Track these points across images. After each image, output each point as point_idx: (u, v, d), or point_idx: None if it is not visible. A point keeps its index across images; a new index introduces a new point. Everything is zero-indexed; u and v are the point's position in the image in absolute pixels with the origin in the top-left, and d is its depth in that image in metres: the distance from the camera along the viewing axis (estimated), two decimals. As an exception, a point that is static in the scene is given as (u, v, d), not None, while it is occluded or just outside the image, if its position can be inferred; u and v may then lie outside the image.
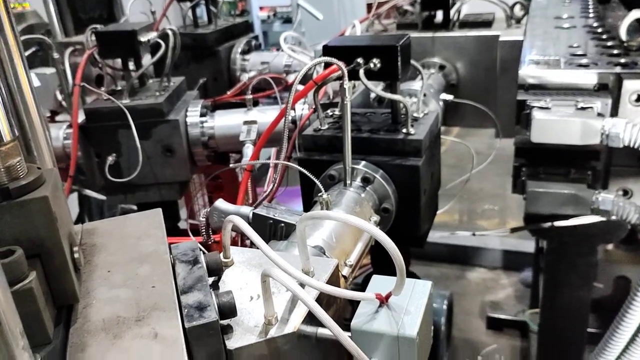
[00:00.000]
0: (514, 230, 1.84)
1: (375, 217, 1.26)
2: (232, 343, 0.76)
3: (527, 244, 3.66)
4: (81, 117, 1.86)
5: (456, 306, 3.63)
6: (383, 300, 0.82)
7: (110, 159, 1.77)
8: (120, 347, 0.68)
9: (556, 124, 1.37)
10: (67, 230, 0.74)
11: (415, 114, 1.48)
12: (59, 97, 2.29)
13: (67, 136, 1.94)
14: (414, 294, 0.84)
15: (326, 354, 0.89)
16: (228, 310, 0.76)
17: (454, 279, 3.96)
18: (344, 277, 1.09)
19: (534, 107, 1.43)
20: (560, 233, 1.84)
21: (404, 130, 1.37)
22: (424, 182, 1.36)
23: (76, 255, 0.75)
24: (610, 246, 2.88)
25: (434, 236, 4.25)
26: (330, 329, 0.75)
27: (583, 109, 1.38)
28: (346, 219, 0.74)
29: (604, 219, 1.68)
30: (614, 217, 1.43)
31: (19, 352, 0.56)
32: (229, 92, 2.35)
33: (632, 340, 1.57)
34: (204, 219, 1.30)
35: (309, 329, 0.84)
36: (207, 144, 1.92)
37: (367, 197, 1.30)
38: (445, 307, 2.86)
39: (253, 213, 1.21)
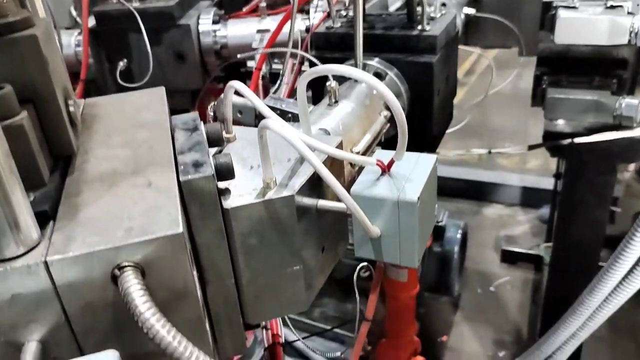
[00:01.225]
0: (531, 147, 1.79)
1: (386, 112, 1.23)
2: (229, 203, 0.75)
3: (546, 181, 3.60)
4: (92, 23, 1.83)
5: (471, 240, 3.62)
6: (385, 169, 0.79)
7: (122, 64, 1.75)
8: (114, 193, 0.68)
9: (582, 23, 1.29)
10: (61, 82, 0.73)
11: (432, 14, 1.42)
12: (74, 13, 2.26)
13: (79, 43, 1.91)
14: (418, 165, 0.81)
15: (325, 229, 0.88)
16: (225, 171, 0.75)
17: (470, 214, 3.93)
18: (350, 164, 1.06)
19: (559, 6, 1.35)
20: (579, 150, 1.79)
21: (419, 27, 1.32)
22: (438, 82, 1.31)
23: (71, 109, 0.74)
24: (630, 177, 2.82)
25: (451, 172, 4.21)
26: (333, 186, 0.73)
27: (613, 7, 1.30)
28: (350, 72, 0.71)
29: (626, 134, 1.63)
30: (636, 125, 1.36)
31: (11, 186, 0.56)
32: (244, 9, 2.28)
33: (631, 270, 1.53)
34: (212, 113, 1.28)
35: (309, 200, 0.83)
36: (220, 53, 1.88)
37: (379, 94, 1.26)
38: (459, 235, 2.86)
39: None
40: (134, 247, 0.59)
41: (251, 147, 0.89)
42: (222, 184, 0.76)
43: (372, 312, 1.11)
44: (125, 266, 0.58)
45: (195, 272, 0.67)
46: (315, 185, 0.84)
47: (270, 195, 0.76)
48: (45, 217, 0.61)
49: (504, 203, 4.00)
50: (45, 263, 0.56)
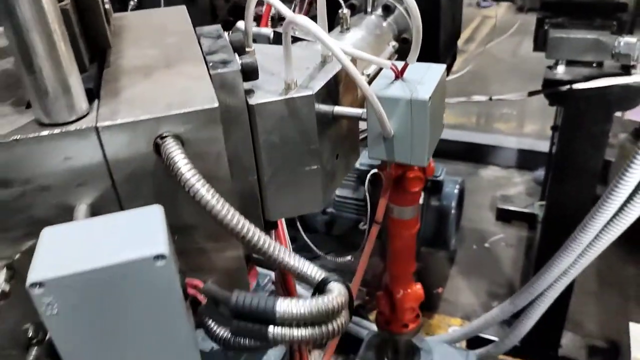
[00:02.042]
0: (531, 93, 1.84)
1: (394, 43, 1.27)
2: (254, 100, 0.80)
3: (542, 144, 3.67)
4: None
5: (467, 200, 3.69)
6: (398, 74, 0.85)
7: (132, 4, 1.78)
8: (151, 80, 0.73)
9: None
10: (97, -20, 0.77)
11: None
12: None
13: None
14: (429, 72, 0.87)
15: (339, 137, 0.93)
16: (250, 70, 0.80)
17: (467, 176, 3.99)
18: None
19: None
20: (577, 97, 1.85)
21: (428, -36, 1.35)
22: (445, 16, 1.35)
23: (107, 6, 0.78)
24: (625, 139, 2.88)
25: (450, 134, 4.27)
26: (357, 80, 0.77)
27: (614, -52, 1.35)
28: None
29: (622, 80, 1.68)
30: (634, 63, 1.42)
31: (64, 56, 0.61)
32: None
33: (621, 208, 1.59)
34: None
35: (326, 106, 0.88)
36: (229, -5, 1.91)
37: (388, 26, 1.31)
38: (456, 191, 2.92)
39: (274, 32, 1.23)
40: (175, 119, 0.64)
41: (271, 59, 0.94)
42: (247, 85, 0.82)
43: (381, 215, 1.17)
44: (167, 136, 0.64)
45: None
46: (332, 92, 0.89)
47: (292, 94, 0.82)
48: (91, 95, 0.67)
49: (501, 165, 4.07)
50: (96, 129, 0.62)
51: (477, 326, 2.19)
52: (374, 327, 2.36)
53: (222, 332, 0.69)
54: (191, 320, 0.62)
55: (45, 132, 0.61)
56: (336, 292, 0.59)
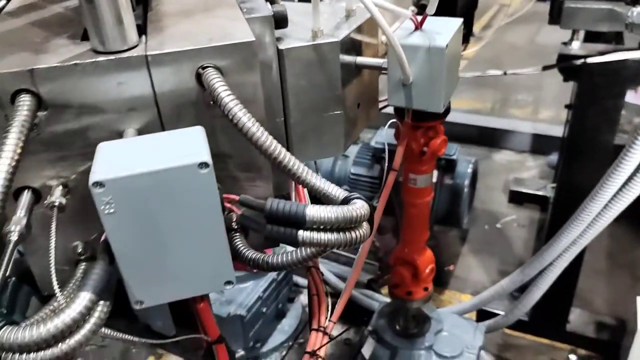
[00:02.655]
0: (546, 68, 1.88)
1: (413, 8, 1.33)
2: (283, 45, 0.87)
3: (556, 129, 3.69)
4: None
5: (480, 183, 3.73)
6: (417, 25, 0.91)
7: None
8: (191, 20, 0.80)
9: None
10: None
11: None
12: None
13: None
14: (446, 24, 0.93)
15: (361, 87, 1.00)
16: (281, 18, 0.86)
17: (481, 159, 4.03)
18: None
19: None
20: (591, 72, 1.89)
21: None
22: (462, -15, 1.40)
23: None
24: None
25: (465, 118, 4.30)
26: (381, 25, 0.84)
27: None
28: None
29: (636, 55, 1.72)
30: (646, 35, 1.45)
31: None
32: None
33: (630, 177, 1.63)
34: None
35: (349, 56, 0.95)
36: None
37: (407, -7, 1.36)
38: (469, 170, 2.97)
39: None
40: (215, 51, 0.71)
41: (298, 14, 1.00)
42: (277, 33, 0.88)
43: (398, 163, 1.23)
44: (208, 67, 0.71)
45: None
46: (355, 44, 0.96)
47: (318, 40, 0.88)
48: (139, 30, 0.74)
49: (514, 149, 4.10)
50: (146, 57, 0.69)
51: (487, 297, 2.25)
52: (386, 300, 2.43)
53: (251, 254, 0.76)
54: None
55: (101, 58, 0.68)
56: (359, 205, 0.66)
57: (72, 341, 0.57)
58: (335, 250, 2.73)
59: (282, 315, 2.84)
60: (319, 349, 1.06)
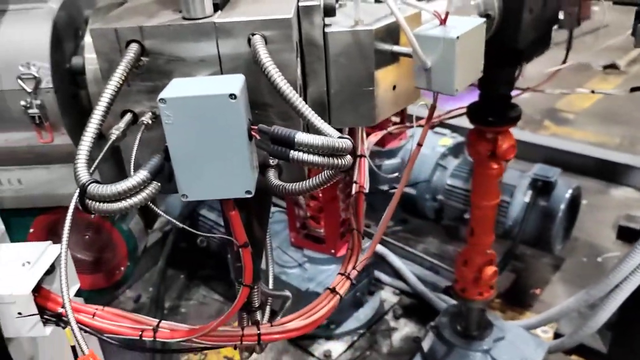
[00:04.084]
0: (633, 89, 1.89)
1: (475, 15, 1.49)
2: (329, 30, 1.11)
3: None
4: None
5: (589, 215, 3.63)
6: (441, 20, 1.10)
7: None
8: (258, 3, 1.07)
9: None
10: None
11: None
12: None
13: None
14: (468, 22, 1.11)
15: (398, 71, 1.20)
16: (329, 8, 1.11)
17: (595, 192, 3.89)
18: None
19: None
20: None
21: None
22: (530, 1, 1.53)
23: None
24: None
25: (584, 149, 4.16)
26: (403, 27, 1.05)
27: None
28: None
29: None
30: None
31: None
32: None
33: None
34: None
35: (386, 44, 1.16)
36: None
37: (474, 4, 1.53)
38: (567, 195, 2.94)
39: None
40: (262, 23, 0.98)
41: (365, 13, 1.23)
42: (327, 20, 1.13)
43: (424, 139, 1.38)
44: (256, 34, 0.98)
45: (299, 65, 1.05)
46: (392, 34, 1.17)
47: (357, 28, 1.11)
48: (215, 7, 1.03)
49: (635, 187, 3.88)
50: (214, 24, 0.98)
51: (553, 314, 2.25)
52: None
53: (277, 183, 1.01)
54: (252, 151, 0.94)
55: (185, 23, 0.98)
56: (344, 139, 0.87)
57: (130, 200, 0.86)
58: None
59: (359, 304, 3.04)
60: (340, 288, 1.27)
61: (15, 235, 1.37)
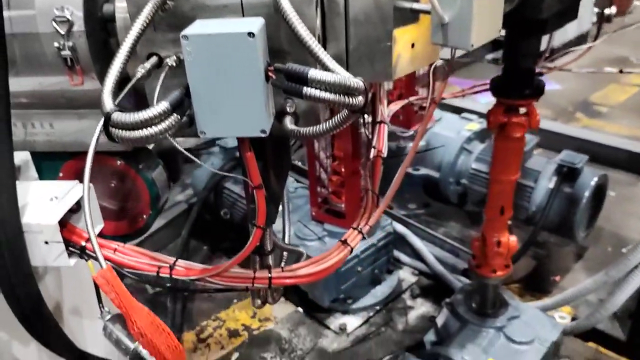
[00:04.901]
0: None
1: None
2: (350, -10, 1.14)
3: None
4: None
5: (618, 207, 3.58)
6: None
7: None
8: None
9: None
10: None
11: None
12: None
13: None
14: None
15: (417, 29, 1.22)
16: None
17: (626, 184, 3.82)
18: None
19: None
20: None
21: None
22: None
23: None
24: None
25: (618, 142, 4.08)
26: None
27: None
28: None
29: None
30: None
31: None
32: None
33: None
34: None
35: (405, 2, 1.18)
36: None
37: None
38: (593, 183, 2.90)
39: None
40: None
41: None
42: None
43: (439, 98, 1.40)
44: None
45: (319, 16, 1.08)
46: (413, -8, 1.19)
47: (378, -14, 1.14)
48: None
49: (668, 181, 3.80)
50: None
51: (570, 296, 2.24)
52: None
53: (292, 127, 1.04)
54: (269, 92, 0.98)
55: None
56: (357, 79, 0.91)
57: (152, 129, 0.91)
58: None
59: (377, 281, 3.07)
60: (351, 241, 1.30)
61: (45, 178, 1.45)
